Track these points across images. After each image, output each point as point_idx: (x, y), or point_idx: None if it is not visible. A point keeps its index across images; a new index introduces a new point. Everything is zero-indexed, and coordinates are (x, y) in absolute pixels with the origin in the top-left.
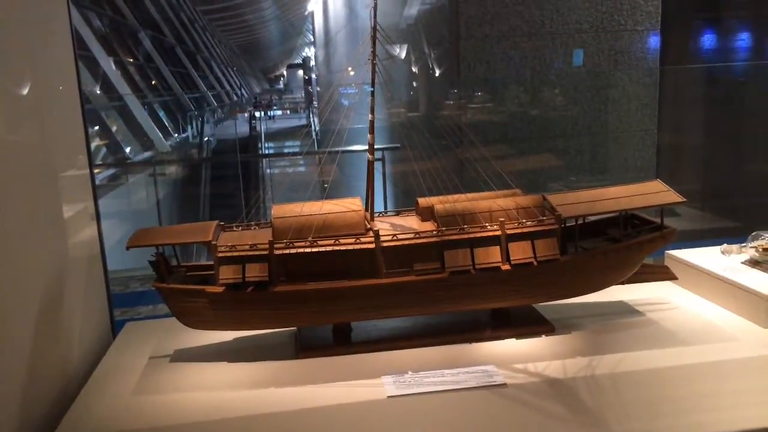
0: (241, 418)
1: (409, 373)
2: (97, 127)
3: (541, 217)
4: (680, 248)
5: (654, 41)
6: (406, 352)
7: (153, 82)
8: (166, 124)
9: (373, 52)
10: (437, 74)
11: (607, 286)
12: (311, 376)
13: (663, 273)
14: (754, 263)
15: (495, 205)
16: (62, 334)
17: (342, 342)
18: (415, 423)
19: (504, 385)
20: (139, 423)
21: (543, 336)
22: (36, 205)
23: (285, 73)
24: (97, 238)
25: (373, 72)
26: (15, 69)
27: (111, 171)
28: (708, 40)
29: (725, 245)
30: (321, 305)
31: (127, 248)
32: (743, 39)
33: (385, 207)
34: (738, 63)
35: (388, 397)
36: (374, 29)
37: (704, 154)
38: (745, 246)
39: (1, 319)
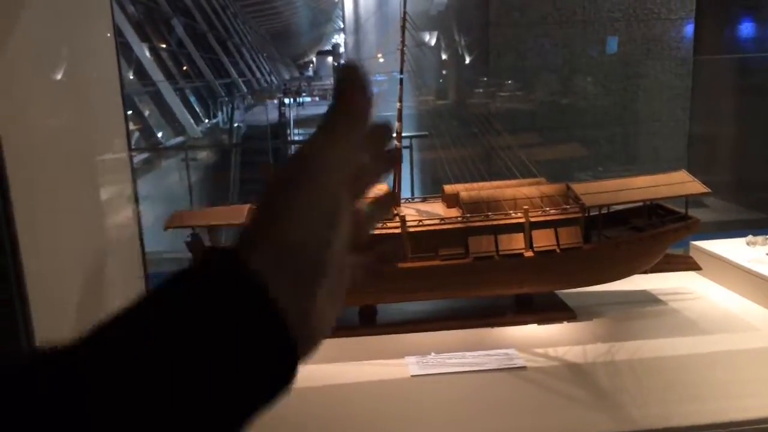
0: None
1: (432, 354)
2: (130, 112)
3: (565, 206)
4: (706, 239)
5: (688, 30)
6: (430, 335)
7: (185, 68)
8: (198, 109)
9: (402, 41)
10: (467, 61)
11: (630, 275)
12: (338, 354)
13: (686, 263)
14: None
15: (519, 193)
16: (102, 313)
17: (367, 323)
18: (437, 401)
19: (524, 367)
20: None
21: (564, 322)
22: (77, 187)
23: (314, 59)
24: (135, 220)
25: (402, 61)
26: (56, 55)
27: (144, 155)
28: (744, 28)
29: (750, 236)
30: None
31: (165, 229)
32: None
33: (413, 194)
34: None
35: (412, 376)
36: (404, 19)
37: (736, 146)
38: None
39: (43, 301)
